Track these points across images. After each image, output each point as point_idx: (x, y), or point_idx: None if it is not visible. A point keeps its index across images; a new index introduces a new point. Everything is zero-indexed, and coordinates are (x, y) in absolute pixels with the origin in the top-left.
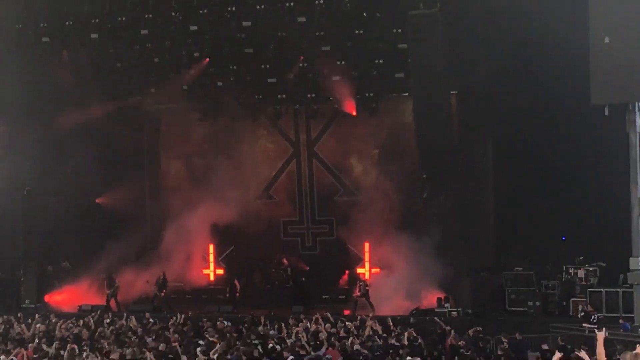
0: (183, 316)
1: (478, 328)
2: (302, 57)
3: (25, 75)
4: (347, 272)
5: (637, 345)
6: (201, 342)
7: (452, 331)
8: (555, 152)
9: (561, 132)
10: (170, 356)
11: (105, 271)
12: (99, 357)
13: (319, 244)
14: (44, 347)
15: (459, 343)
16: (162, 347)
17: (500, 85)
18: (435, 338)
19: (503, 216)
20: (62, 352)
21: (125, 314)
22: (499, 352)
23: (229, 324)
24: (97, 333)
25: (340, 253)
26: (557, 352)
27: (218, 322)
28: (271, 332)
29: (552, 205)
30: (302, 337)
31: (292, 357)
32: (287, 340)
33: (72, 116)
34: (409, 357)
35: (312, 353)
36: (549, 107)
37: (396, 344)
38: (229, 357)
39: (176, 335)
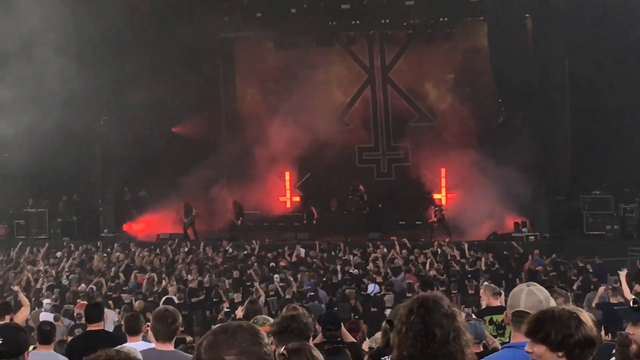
0: (259, 243)
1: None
2: None
3: (95, 9)
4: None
5: None
6: (276, 270)
7: (537, 252)
8: (633, 72)
9: (639, 52)
10: (247, 283)
11: (183, 200)
12: (177, 285)
13: (394, 170)
14: (121, 275)
15: (537, 268)
16: (237, 274)
17: (575, 6)
18: (512, 263)
19: (580, 139)
20: (140, 280)
21: (202, 243)
22: (573, 277)
23: (303, 250)
24: (175, 261)
25: (416, 178)
26: (619, 271)
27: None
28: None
29: (630, 127)
30: (379, 263)
31: (372, 284)
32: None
33: (147, 46)
34: (485, 282)
35: (391, 278)
36: (627, 27)
37: (472, 269)
38: (305, 286)
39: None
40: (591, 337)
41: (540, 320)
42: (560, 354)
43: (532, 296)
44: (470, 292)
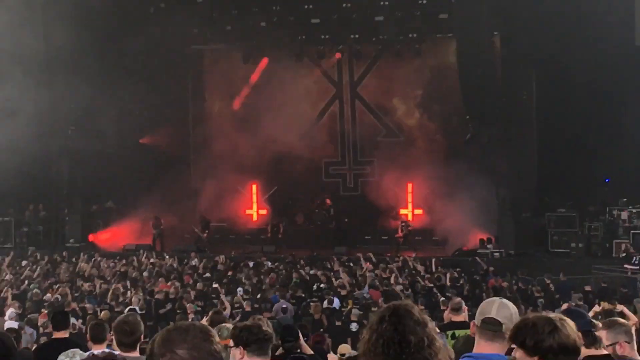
0: (223, 257)
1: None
2: None
3: (65, 21)
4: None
5: None
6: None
7: (492, 269)
8: (600, 93)
9: (606, 73)
10: (213, 295)
11: (152, 212)
12: (143, 295)
13: (360, 184)
14: (85, 285)
15: (502, 284)
16: (201, 285)
17: (543, 25)
18: (477, 279)
19: (546, 157)
20: (107, 291)
21: (167, 254)
22: (537, 294)
23: (268, 263)
24: (140, 272)
25: (383, 194)
26: (596, 305)
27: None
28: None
29: (596, 146)
30: (345, 277)
31: (337, 298)
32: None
33: (115, 57)
34: (442, 298)
35: (356, 292)
36: (594, 48)
37: (438, 284)
38: (271, 297)
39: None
40: (565, 344)
41: (519, 327)
42: (535, 358)
43: (504, 309)
44: (442, 307)
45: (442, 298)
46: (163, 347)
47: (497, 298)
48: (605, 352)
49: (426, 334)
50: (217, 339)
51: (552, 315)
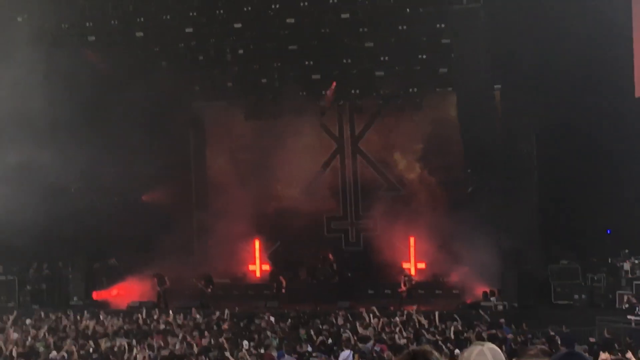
0: (228, 312)
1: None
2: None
3: (67, 80)
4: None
5: None
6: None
7: (503, 321)
8: (600, 145)
9: (605, 125)
10: (216, 351)
11: (153, 268)
12: (148, 353)
13: (362, 239)
14: (91, 343)
15: (508, 336)
16: (206, 342)
17: (543, 78)
18: (481, 331)
19: (548, 210)
20: (112, 348)
21: (171, 311)
22: (541, 346)
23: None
24: (145, 329)
25: (385, 248)
26: (601, 353)
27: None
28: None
29: (597, 198)
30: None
31: (347, 351)
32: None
33: (117, 116)
34: (457, 350)
35: (361, 346)
36: (593, 100)
37: (443, 337)
38: (276, 354)
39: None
40: None
41: None
42: None
43: (482, 357)
44: None
45: (457, 350)
46: None
47: (480, 344)
48: None
49: None
50: None
51: None
